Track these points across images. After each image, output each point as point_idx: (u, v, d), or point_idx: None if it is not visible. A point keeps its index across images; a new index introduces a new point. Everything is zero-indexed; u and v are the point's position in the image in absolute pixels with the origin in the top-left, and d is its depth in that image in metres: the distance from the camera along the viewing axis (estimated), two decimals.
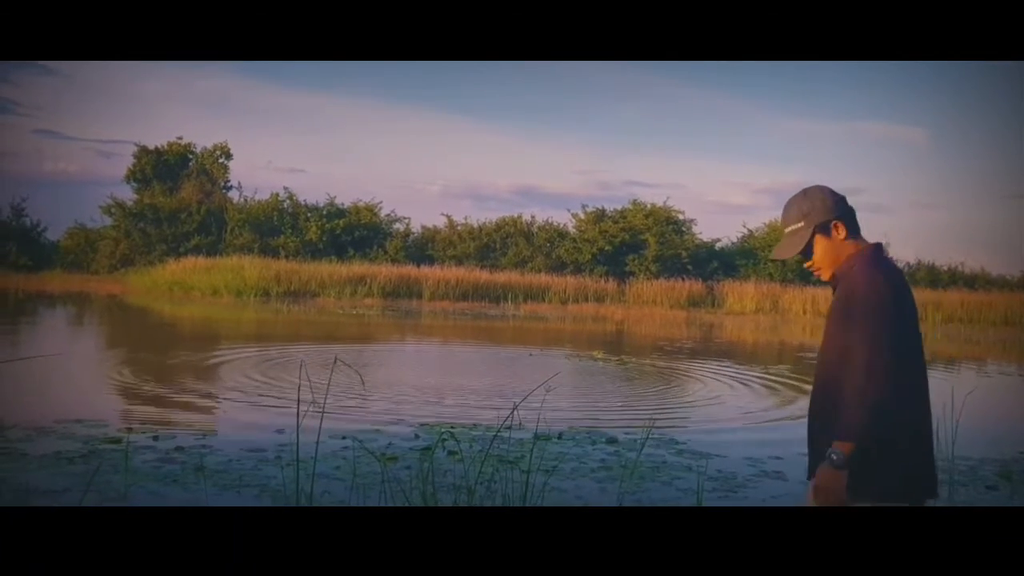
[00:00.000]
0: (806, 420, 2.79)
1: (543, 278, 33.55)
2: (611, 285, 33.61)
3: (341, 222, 37.09)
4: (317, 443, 4.41)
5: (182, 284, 29.78)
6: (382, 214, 38.52)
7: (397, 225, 38.98)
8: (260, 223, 37.37)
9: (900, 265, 29.22)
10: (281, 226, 37.37)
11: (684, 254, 35.25)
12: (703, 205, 59.93)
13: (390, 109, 65.50)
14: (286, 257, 34.57)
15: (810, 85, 60.30)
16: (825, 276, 2.78)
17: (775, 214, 47.50)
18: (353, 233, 37.07)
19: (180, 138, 40.02)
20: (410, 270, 32.47)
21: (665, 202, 37.37)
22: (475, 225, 38.63)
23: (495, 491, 4.69)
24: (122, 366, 11.02)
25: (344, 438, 6.61)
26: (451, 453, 6.10)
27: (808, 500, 2.58)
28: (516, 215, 38.91)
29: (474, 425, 7.48)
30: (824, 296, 31.70)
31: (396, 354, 15.11)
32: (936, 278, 35.89)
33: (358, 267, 32.35)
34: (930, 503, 2.71)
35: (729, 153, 66.80)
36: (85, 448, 6.14)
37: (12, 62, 43.58)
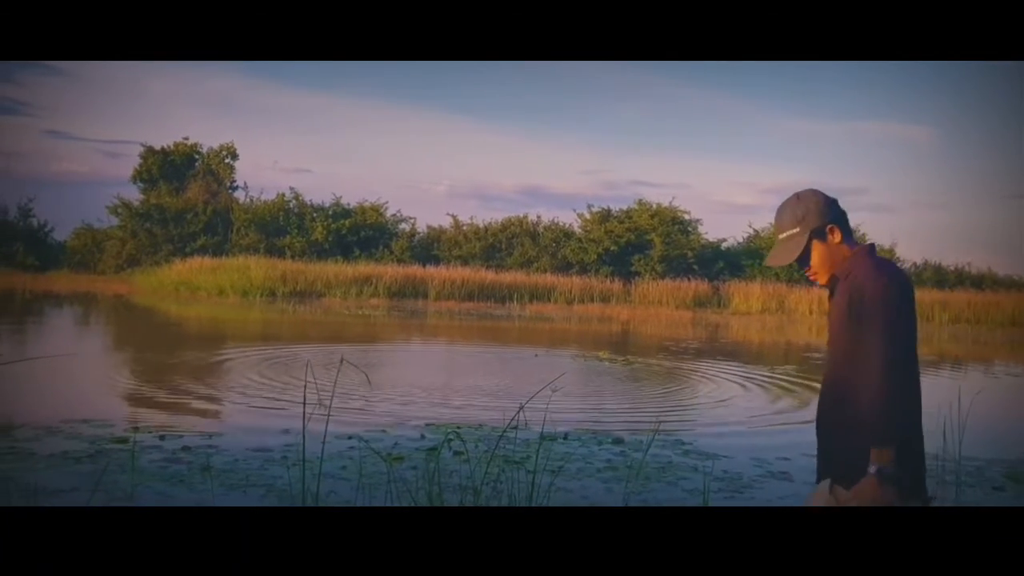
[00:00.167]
0: (813, 422, 2.78)
1: (549, 278, 33.53)
2: (617, 285, 33.58)
3: (347, 222, 37.13)
4: (323, 443, 4.41)
5: (188, 284, 29.85)
6: (388, 214, 38.57)
7: (403, 225, 39.03)
8: (266, 223, 37.43)
9: (906, 265, 28.97)
10: (287, 226, 37.42)
11: (690, 254, 35.20)
12: (709, 205, 59.97)
13: (396, 109, 65.59)
14: (292, 257, 34.62)
15: (815, 85, 60.22)
16: (822, 280, 2.75)
17: None
18: (359, 233, 37.11)
19: (186, 138, 40.19)
20: (416, 270, 32.49)
21: (671, 202, 37.35)
22: (481, 225, 38.64)
23: (501, 491, 4.69)
24: (128, 366, 11.06)
25: (350, 438, 6.62)
26: (457, 453, 6.10)
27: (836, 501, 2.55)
28: (522, 215, 38.96)
29: (480, 425, 7.48)
30: None
31: (402, 354, 15.13)
32: (943, 278, 35.78)
33: (364, 267, 32.38)
34: (937, 503, 2.69)
35: (734, 153, 66.78)
36: (92, 448, 6.16)
37: (19, 62, 43.74)
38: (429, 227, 39.43)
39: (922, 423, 2.62)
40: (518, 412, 4.21)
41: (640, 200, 38.06)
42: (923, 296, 31.02)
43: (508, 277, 33.05)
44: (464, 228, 38.63)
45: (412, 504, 4.27)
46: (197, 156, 40.08)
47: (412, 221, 39.28)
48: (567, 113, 65.69)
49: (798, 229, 2.74)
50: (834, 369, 2.66)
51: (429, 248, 37.91)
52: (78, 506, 4.48)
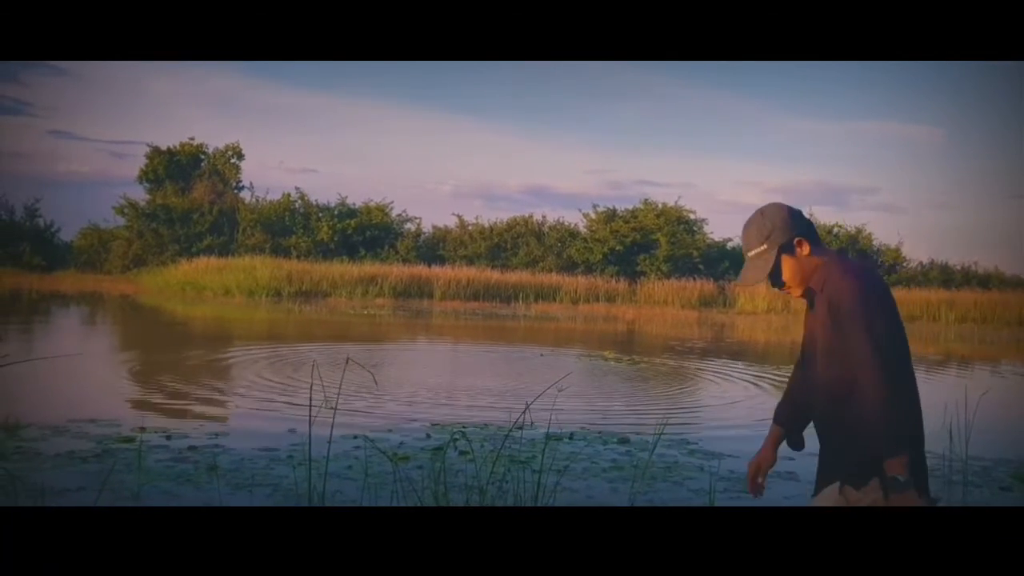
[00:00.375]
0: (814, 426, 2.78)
1: (554, 278, 33.51)
2: (622, 285, 33.54)
3: (352, 222, 37.15)
4: (329, 443, 4.42)
5: (194, 284, 29.90)
6: (393, 214, 38.59)
7: (408, 225, 39.07)
8: (272, 223, 37.49)
9: (912, 265, 28.68)
10: (293, 226, 37.47)
11: (695, 254, 35.15)
12: (714, 204, 59.76)
13: (401, 109, 65.67)
14: (298, 257, 34.67)
15: (821, 84, 60.14)
16: (797, 294, 2.73)
17: None
18: (364, 233, 37.13)
19: (192, 139, 40.27)
20: (421, 270, 32.49)
21: (676, 202, 37.32)
22: (486, 225, 38.65)
23: (507, 491, 4.69)
24: (135, 366, 11.08)
25: (356, 437, 6.63)
26: (463, 453, 6.10)
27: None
28: (527, 215, 38.98)
29: (486, 425, 7.48)
30: None
31: (407, 354, 15.13)
32: (949, 278, 35.69)
33: (369, 267, 32.40)
34: (944, 504, 2.68)
35: (740, 152, 66.68)
36: (99, 448, 6.18)
37: (24, 63, 43.88)
38: (434, 227, 39.51)
39: (923, 422, 2.61)
40: (524, 412, 4.21)
41: (645, 200, 38.09)
42: (929, 296, 30.97)
43: (513, 277, 33.04)
44: (469, 228, 38.64)
45: (418, 504, 4.28)
46: (203, 156, 40.14)
47: (417, 221, 39.38)
48: (572, 113, 65.72)
49: (766, 246, 2.70)
50: (826, 375, 2.63)
51: (434, 248, 37.92)
52: (85, 506, 4.49)
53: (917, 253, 41.70)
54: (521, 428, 4.90)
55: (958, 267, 37.03)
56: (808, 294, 2.72)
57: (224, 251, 34.90)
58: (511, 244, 37.71)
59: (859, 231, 36.55)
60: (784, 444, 3.10)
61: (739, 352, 17.41)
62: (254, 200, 39.27)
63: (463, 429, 7.01)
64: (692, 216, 37.04)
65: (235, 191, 39.82)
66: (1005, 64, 36.10)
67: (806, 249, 2.68)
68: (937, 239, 70.01)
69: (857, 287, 2.54)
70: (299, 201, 38.58)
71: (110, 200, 42.96)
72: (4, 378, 5.30)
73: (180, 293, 29.22)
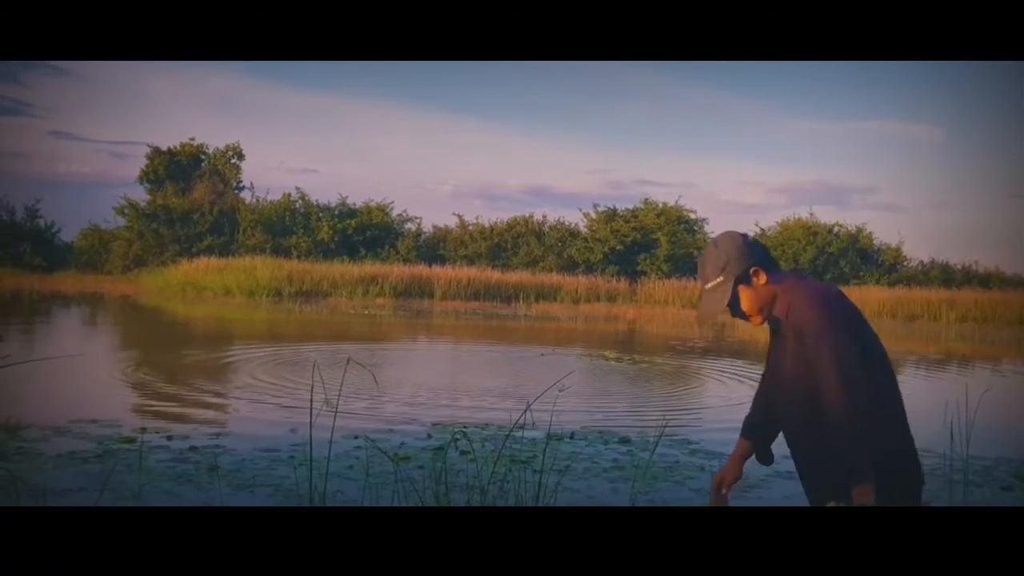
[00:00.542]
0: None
1: (555, 278, 33.52)
2: (623, 284, 33.56)
3: (353, 222, 37.17)
4: (330, 443, 4.42)
5: (195, 284, 29.90)
6: (394, 214, 38.63)
7: (409, 225, 39.10)
8: (272, 223, 37.50)
9: (913, 264, 28.65)
10: (293, 226, 37.49)
11: (696, 253, 35.12)
12: (715, 204, 59.71)
13: (401, 109, 65.65)
14: (298, 257, 34.68)
15: (821, 84, 60.13)
16: (758, 322, 2.73)
17: (788, 213, 47.36)
18: (365, 233, 37.15)
19: (192, 139, 40.27)
20: (422, 270, 32.49)
21: (677, 201, 37.38)
22: (486, 225, 38.68)
23: (508, 491, 4.70)
24: (135, 366, 11.08)
25: (357, 438, 6.63)
26: (463, 453, 6.11)
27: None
28: (527, 215, 39.02)
29: (486, 425, 7.49)
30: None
31: (408, 354, 15.14)
32: (950, 277, 35.68)
33: (370, 267, 32.40)
34: (945, 503, 2.69)
35: (740, 152, 66.67)
36: (100, 448, 6.18)
37: (24, 63, 43.90)
38: (435, 227, 39.54)
39: (909, 433, 2.61)
40: (525, 411, 4.22)
41: (646, 199, 38.16)
42: (930, 295, 30.96)
43: (514, 277, 33.04)
44: (470, 228, 38.66)
45: (419, 504, 4.28)
46: (203, 157, 40.14)
47: (418, 221, 39.42)
48: (572, 113, 65.69)
49: (722, 278, 2.70)
50: (795, 401, 2.64)
51: (435, 248, 37.94)
52: (86, 506, 4.49)
53: (918, 252, 41.82)
54: (522, 428, 4.90)
55: (959, 266, 37.03)
56: (772, 323, 2.70)
57: (224, 251, 34.91)
58: (511, 244, 37.72)
59: (859, 230, 36.56)
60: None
61: (740, 351, 17.40)
62: (254, 200, 39.33)
63: (464, 429, 7.01)
64: (693, 216, 37.14)
65: (235, 191, 39.82)
66: (1005, 64, 36.09)
67: (763, 278, 2.67)
68: (937, 238, 70.05)
69: (822, 315, 2.53)
70: (299, 201, 38.61)
71: (111, 201, 43.06)
72: (5, 379, 5.31)
73: (181, 293, 29.22)
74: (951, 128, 60.40)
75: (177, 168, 39.36)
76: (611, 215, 37.35)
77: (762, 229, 37.41)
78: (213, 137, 56.47)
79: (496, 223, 38.70)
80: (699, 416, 9.01)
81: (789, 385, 2.67)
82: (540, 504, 4.38)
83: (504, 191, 60.01)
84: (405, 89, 65.95)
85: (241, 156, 40.32)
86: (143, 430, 6.69)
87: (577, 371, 11.85)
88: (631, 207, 37.86)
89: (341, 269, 31.54)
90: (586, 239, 36.78)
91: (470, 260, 36.17)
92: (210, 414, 8.03)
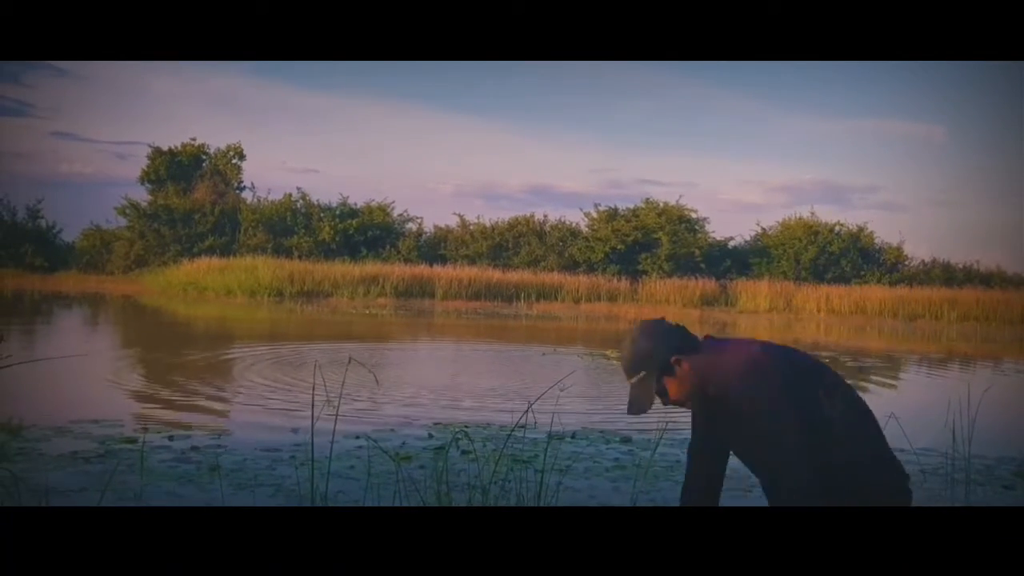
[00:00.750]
0: None
1: (556, 277, 33.50)
2: (624, 284, 33.53)
3: (354, 222, 37.15)
4: (332, 443, 4.42)
5: (196, 284, 29.91)
6: (395, 214, 38.57)
7: (410, 225, 39.04)
8: (273, 223, 37.49)
9: (915, 263, 28.56)
10: (294, 226, 37.48)
11: (697, 253, 35.14)
12: (716, 203, 59.62)
13: (402, 109, 65.62)
14: (299, 257, 34.66)
15: (821, 84, 60.05)
16: (691, 406, 2.75)
17: (789, 212, 47.37)
18: (366, 233, 37.14)
19: (193, 139, 40.23)
20: (423, 270, 32.49)
21: (678, 201, 37.28)
22: (488, 224, 38.61)
23: (509, 490, 4.69)
24: (137, 366, 11.09)
25: (358, 437, 6.63)
26: (465, 452, 6.11)
27: None
28: (529, 214, 38.90)
29: (488, 424, 7.49)
30: (838, 293, 31.58)
31: (409, 354, 15.14)
32: (951, 276, 35.62)
33: (371, 267, 32.40)
34: (946, 503, 2.70)
35: (741, 151, 66.61)
36: (101, 448, 6.18)
37: (26, 64, 43.92)
38: (436, 227, 39.46)
39: (877, 438, 2.64)
40: (526, 411, 4.22)
41: (647, 199, 38.06)
42: (932, 294, 30.97)
43: (515, 276, 33.02)
44: (471, 227, 38.61)
45: (420, 503, 4.28)
46: (204, 157, 40.13)
47: (419, 221, 39.35)
48: (573, 112, 65.69)
49: (644, 374, 2.67)
50: (748, 464, 2.74)
51: (436, 247, 37.91)
52: (88, 506, 4.49)
53: (919, 251, 41.68)
54: (523, 427, 4.90)
55: (960, 265, 36.97)
56: (709, 401, 2.70)
57: (226, 251, 34.89)
58: (512, 243, 37.68)
59: (861, 229, 36.51)
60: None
61: None
62: (256, 200, 39.29)
63: (465, 429, 7.01)
64: (694, 215, 37.05)
65: (237, 191, 39.80)
66: (1005, 64, 36.04)
67: (686, 365, 2.65)
68: (939, 237, 70.04)
69: (756, 386, 2.54)
70: (301, 201, 38.59)
71: (112, 201, 42.95)
72: (7, 379, 5.31)
73: (182, 293, 29.24)
74: (952, 127, 60.36)
75: (178, 168, 39.34)
76: (612, 215, 37.31)
77: (763, 228, 37.40)
78: (214, 137, 56.44)
79: (497, 223, 38.68)
80: None
81: (738, 450, 2.74)
82: (542, 504, 4.37)
83: (505, 191, 60.00)
84: (406, 89, 66.03)
85: (242, 156, 40.34)
86: (145, 430, 6.69)
87: (578, 370, 11.85)
88: (632, 206, 37.82)
89: (342, 269, 31.54)
90: (587, 238, 36.75)
91: (471, 260, 36.14)
92: (211, 414, 8.04)
